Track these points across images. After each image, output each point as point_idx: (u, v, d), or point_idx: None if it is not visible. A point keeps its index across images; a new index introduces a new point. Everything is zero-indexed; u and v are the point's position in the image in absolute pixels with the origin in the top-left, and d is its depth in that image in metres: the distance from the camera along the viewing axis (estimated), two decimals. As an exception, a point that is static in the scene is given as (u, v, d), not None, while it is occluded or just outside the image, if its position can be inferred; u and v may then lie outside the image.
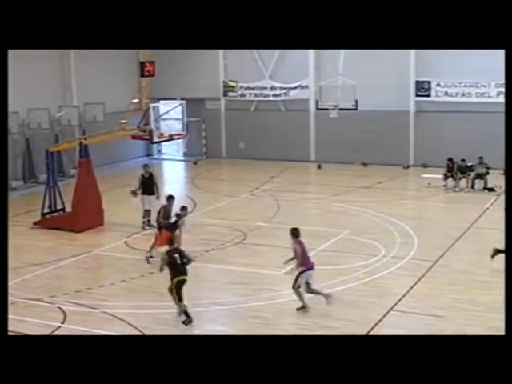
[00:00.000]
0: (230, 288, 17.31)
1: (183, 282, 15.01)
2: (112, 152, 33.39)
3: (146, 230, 22.29)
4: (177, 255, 15.20)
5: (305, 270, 15.37)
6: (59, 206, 24.08)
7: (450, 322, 14.63)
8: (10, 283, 17.70)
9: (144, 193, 22.50)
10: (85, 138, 24.99)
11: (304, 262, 15.48)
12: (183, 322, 14.90)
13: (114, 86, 35.44)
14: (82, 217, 22.67)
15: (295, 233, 15.69)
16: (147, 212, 22.54)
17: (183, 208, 19.68)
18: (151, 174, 22.89)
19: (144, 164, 23.60)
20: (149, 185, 22.53)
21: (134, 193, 22.49)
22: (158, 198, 22.49)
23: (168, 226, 18.71)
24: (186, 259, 15.23)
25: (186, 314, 14.98)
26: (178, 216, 19.05)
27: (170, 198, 19.83)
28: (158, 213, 19.45)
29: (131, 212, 25.57)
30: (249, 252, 20.21)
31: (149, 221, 22.45)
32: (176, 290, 14.97)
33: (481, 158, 28.34)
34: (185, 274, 15.10)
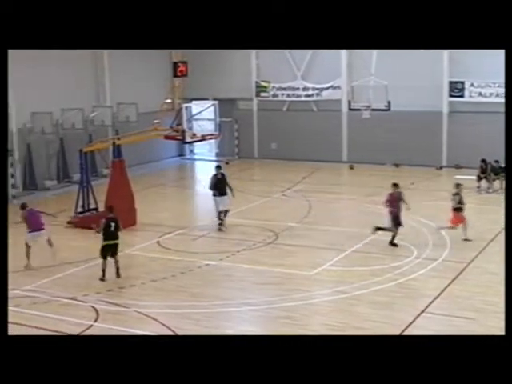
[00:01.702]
0: (260, 288, 17.33)
1: (109, 245, 17.93)
2: (145, 152, 33.59)
3: (222, 230, 22.42)
4: (113, 223, 18.03)
5: None
6: (92, 206, 24.29)
7: (481, 325, 14.51)
8: (44, 281, 17.96)
9: (216, 194, 22.55)
10: (118, 138, 25.21)
11: None
12: (100, 279, 17.76)
13: (147, 87, 35.65)
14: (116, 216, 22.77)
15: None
16: (223, 213, 22.59)
17: None
18: (223, 175, 22.93)
19: (216, 165, 23.55)
20: (221, 185, 22.58)
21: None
22: (233, 196, 22.77)
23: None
24: (116, 228, 18.08)
25: (103, 271, 17.84)
26: None
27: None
28: None
29: (163, 212, 25.75)
30: (280, 252, 20.22)
31: (222, 220, 22.57)
32: (101, 251, 17.94)
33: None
34: (113, 239, 17.99)
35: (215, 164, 23.62)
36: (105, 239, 18.09)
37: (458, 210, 20.77)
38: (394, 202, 19.93)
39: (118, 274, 17.99)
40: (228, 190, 22.63)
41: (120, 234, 18.43)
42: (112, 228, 18.11)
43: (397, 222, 19.90)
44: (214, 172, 23.06)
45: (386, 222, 20.16)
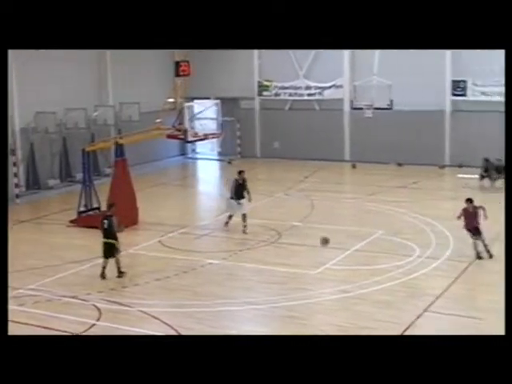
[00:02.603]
0: (264, 287, 17.32)
1: (104, 244, 17.87)
2: (147, 151, 33.58)
3: (247, 233, 22.01)
4: (106, 221, 18.00)
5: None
6: (95, 205, 24.30)
7: (485, 324, 14.50)
8: (47, 280, 17.97)
9: (234, 198, 22.37)
10: (120, 138, 25.20)
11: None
12: (100, 276, 17.83)
13: (149, 86, 35.68)
14: (117, 215, 22.79)
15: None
16: (243, 217, 22.28)
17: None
18: (244, 180, 22.61)
19: (239, 170, 22.97)
20: (241, 191, 22.40)
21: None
22: (250, 200, 22.61)
23: None
24: (110, 226, 17.97)
25: (102, 269, 17.90)
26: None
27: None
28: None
29: (166, 211, 25.77)
30: (283, 251, 20.22)
31: (245, 226, 22.20)
32: (102, 249, 17.94)
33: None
34: (108, 238, 17.91)
35: (238, 170, 23.09)
36: (103, 237, 18.17)
37: None
38: (469, 217, 19.34)
39: (118, 274, 17.96)
40: (246, 194, 22.48)
41: (119, 233, 18.45)
42: (105, 226, 18.06)
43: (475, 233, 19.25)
44: (235, 176, 22.78)
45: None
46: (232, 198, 22.41)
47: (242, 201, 22.35)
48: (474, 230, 19.16)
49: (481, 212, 19.38)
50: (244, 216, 22.25)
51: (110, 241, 18.01)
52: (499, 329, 14.03)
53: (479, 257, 18.99)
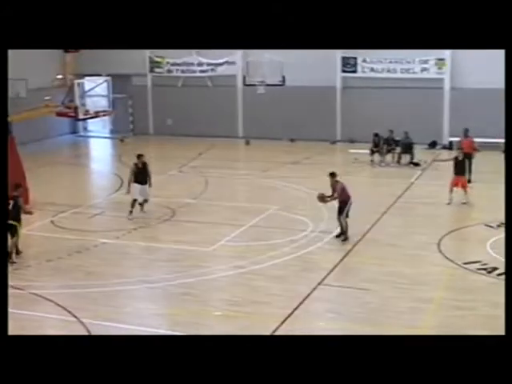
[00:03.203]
0: (158, 265, 17.22)
1: (9, 225, 16.72)
2: (37, 129, 32.74)
3: (129, 219, 20.93)
4: (11, 202, 17.15)
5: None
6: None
7: (377, 295, 14.89)
8: None
9: (136, 181, 21.27)
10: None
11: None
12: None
13: (38, 62, 34.58)
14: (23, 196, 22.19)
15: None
16: (143, 203, 21.49)
17: None
18: (145, 164, 21.56)
19: (138, 154, 21.86)
20: (142, 175, 21.33)
21: (129, 190, 21.41)
22: (150, 186, 21.48)
23: None
24: (15, 208, 17.36)
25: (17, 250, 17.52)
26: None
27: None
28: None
29: (58, 190, 25.23)
30: (178, 229, 20.14)
31: (143, 211, 21.50)
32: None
33: (406, 132, 28.80)
34: (13, 219, 17.09)
35: (137, 153, 21.94)
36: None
37: (457, 173, 22.25)
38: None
39: (11, 257, 17.43)
40: (147, 179, 21.48)
41: (28, 215, 18.09)
42: (10, 206, 17.40)
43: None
44: (134, 161, 21.71)
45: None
46: (136, 182, 21.30)
47: (145, 186, 21.37)
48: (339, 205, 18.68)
49: (337, 188, 18.74)
50: (145, 201, 21.50)
51: (13, 222, 17.31)
52: (392, 299, 14.53)
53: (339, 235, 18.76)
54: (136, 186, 21.25)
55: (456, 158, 22.45)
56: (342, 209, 18.64)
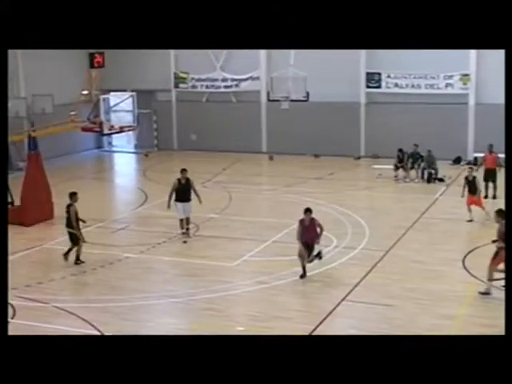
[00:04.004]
0: (182, 280, 17.25)
1: (69, 233, 18.62)
2: (62, 144, 32.99)
3: (186, 242, 20.29)
4: (67, 209, 18.71)
5: None
6: (8, 200, 23.71)
7: (400, 311, 14.79)
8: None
9: (177, 199, 20.47)
10: (33, 130, 24.65)
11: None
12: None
13: (63, 77, 34.95)
14: (32, 210, 22.39)
15: None
16: (185, 220, 20.55)
17: None
18: (188, 180, 20.69)
19: (182, 169, 20.95)
20: (184, 191, 20.46)
21: (169, 205, 20.42)
22: (200, 202, 20.67)
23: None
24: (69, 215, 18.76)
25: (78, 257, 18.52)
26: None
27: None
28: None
29: (82, 205, 25.31)
30: (201, 244, 20.16)
31: (187, 229, 20.65)
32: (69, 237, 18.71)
33: (429, 150, 28.54)
34: (68, 226, 18.70)
35: (181, 168, 21.05)
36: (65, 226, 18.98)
37: (470, 192, 22.18)
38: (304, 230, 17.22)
39: (75, 260, 18.51)
40: (194, 196, 20.64)
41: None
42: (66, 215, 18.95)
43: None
44: (177, 176, 20.76)
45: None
46: (178, 200, 20.44)
47: (188, 203, 20.52)
48: (307, 244, 17.02)
49: (317, 227, 17.22)
50: (187, 220, 20.64)
51: (70, 230, 18.66)
52: (415, 315, 14.42)
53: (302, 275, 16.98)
54: (179, 205, 20.46)
55: (466, 178, 22.36)
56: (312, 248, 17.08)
